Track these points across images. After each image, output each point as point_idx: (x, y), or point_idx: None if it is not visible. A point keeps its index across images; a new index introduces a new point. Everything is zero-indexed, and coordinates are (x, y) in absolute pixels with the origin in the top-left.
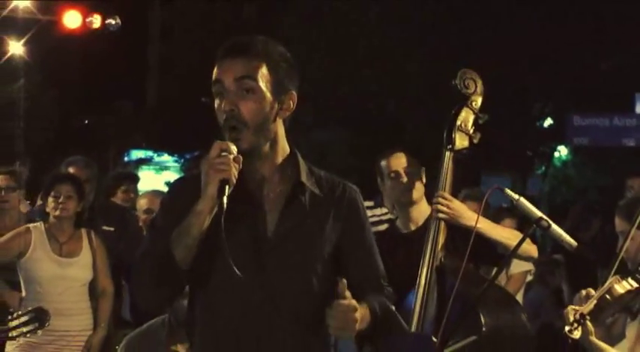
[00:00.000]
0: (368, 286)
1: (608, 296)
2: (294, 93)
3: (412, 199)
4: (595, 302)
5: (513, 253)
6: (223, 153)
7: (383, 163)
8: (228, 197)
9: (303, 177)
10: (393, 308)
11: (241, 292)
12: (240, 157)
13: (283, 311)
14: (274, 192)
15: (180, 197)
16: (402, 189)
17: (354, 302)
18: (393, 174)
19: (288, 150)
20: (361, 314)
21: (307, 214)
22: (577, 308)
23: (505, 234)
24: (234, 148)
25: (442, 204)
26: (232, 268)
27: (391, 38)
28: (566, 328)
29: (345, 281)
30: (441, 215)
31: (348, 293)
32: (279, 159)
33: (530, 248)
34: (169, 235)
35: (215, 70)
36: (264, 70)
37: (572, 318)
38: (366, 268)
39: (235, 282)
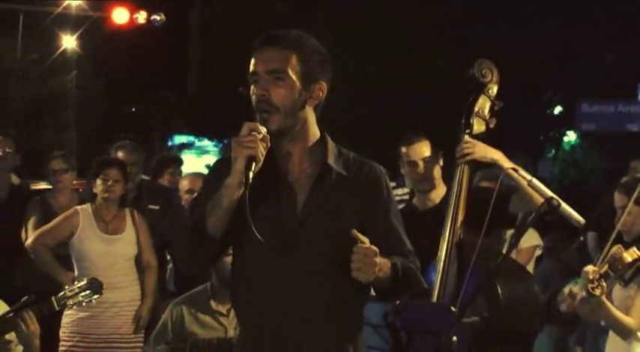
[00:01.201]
0: (395, 254)
1: (618, 263)
2: (324, 83)
3: (428, 187)
4: (607, 267)
5: (526, 227)
6: (252, 133)
7: (403, 150)
8: (254, 172)
9: (330, 159)
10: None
11: (271, 265)
12: (268, 137)
13: (311, 284)
14: (304, 172)
15: (217, 177)
16: (418, 178)
17: (373, 247)
18: (411, 163)
19: (318, 134)
20: (381, 261)
21: (333, 193)
22: (595, 269)
23: (534, 180)
24: (263, 129)
25: (467, 146)
26: (265, 235)
27: (414, 35)
28: (589, 286)
29: (360, 235)
30: (468, 157)
31: (365, 239)
32: (309, 142)
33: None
34: (201, 210)
35: (252, 60)
36: (294, 61)
37: (591, 277)
38: (389, 242)
39: (265, 254)
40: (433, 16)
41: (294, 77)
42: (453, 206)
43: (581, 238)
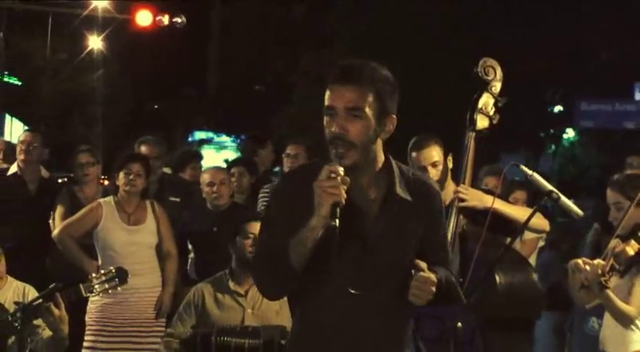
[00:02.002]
0: (439, 264)
1: (622, 256)
2: (394, 116)
3: None
4: (612, 260)
5: (526, 225)
6: (332, 175)
7: (413, 154)
8: (339, 218)
9: (397, 187)
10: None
11: (341, 288)
12: (348, 179)
13: (375, 306)
14: (369, 198)
15: (285, 195)
16: None
17: (432, 276)
18: (421, 168)
19: (383, 159)
20: (435, 285)
21: (398, 218)
22: (602, 263)
23: (519, 213)
24: (340, 169)
25: (462, 193)
26: (342, 283)
27: (426, 33)
28: (602, 279)
29: (421, 262)
30: (462, 204)
31: (424, 266)
32: (376, 169)
33: (542, 222)
34: (280, 233)
35: (327, 93)
36: (370, 98)
37: (600, 271)
38: (438, 255)
39: (338, 287)
40: (443, 17)
41: (370, 114)
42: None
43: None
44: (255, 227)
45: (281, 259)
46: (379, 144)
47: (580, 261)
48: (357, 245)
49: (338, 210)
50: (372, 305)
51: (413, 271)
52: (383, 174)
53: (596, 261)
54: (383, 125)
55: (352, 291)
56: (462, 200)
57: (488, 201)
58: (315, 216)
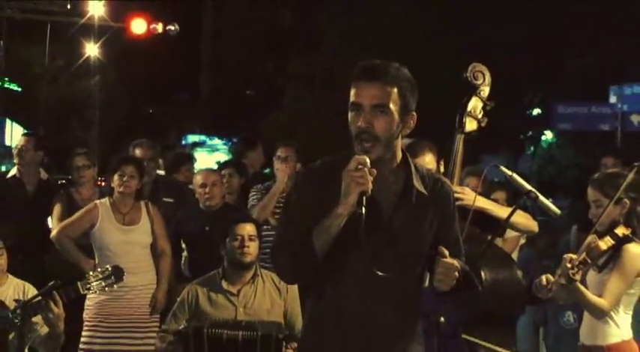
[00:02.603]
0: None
1: (595, 251)
2: (414, 113)
3: None
4: (585, 254)
5: (507, 221)
6: (360, 166)
7: None
8: (365, 206)
9: (415, 181)
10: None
11: (360, 275)
12: (374, 171)
13: (391, 293)
14: (389, 192)
15: (308, 187)
16: None
17: (456, 262)
18: None
19: (401, 155)
20: (458, 272)
21: (415, 211)
22: (573, 257)
23: (501, 211)
24: (368, 161)
25: (460, 194)
26: (368, 266)
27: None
28: (570, 272)
29: (444, 249)
30: (458, 202)
31: (447, 253)
32: (395, 164)
33: (531, 223)
34: (303, 222)
35: (353, 90)
36: (395, 95)
37: (569, 265)
38: (454, 249)
39: (359, 273)
40: (428, 19)
41: (394, 110)
42: None
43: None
44: (243, 228)
45: (304, 246)
46: (399, 140)
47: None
48: (378, 235)
49: (364, 198)
50: (389, 293)
51: (437, 258)
52: (401, 169)
53: (567, 255)
54: (405, 122)
55: (379, 273)
56: (460, 199)
57: (483, 203)
58: (341, 205)
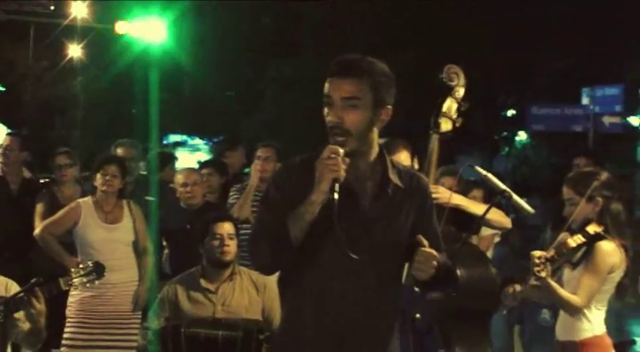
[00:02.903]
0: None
1: (563, 248)
2: (389, 107)
3: None
4: (554, 251)
5: (482, 219)
6: (333, 155)
7: None
8: (337, 192)
9: (390, 174)
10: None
11: (338, 266)
12: (347, 159)
13: (366, 277)
14: (366, 184)
15: (286, 181)
16: None
17: (434, 251)
18: None
19: (377, 149)
20: (437, 262)
21: (392, 203)
22: (542, 254)
23: (477, 208)
24: (341, 151)
25: (435, 193)
26: (342, 249)
27: (387, 37)
28: (535, 269)
29: (422, 238)
30: (436, 201)
31: (426, 242)
32: (372, 158)
33: (504, 220)
34: (280, 213)
35: (327, 85)
36: (366, 89)
37: (538, 261)
38: (433, 243)
39: (335, 252)
40: (403, 22)
41: (365, 104)
42: None
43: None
44: (222, 227)
45: (280, 234)
46: (375, 133)
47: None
48: (355, 226)
49: (337, 185)
50: (367, 284)
51: (416, 247)
52: (377, 163)
53: (534, 252)
54: (378, 115)
55: (352, 255)
56: (435, 198)
57: (457, 199)
58: (315, 192)
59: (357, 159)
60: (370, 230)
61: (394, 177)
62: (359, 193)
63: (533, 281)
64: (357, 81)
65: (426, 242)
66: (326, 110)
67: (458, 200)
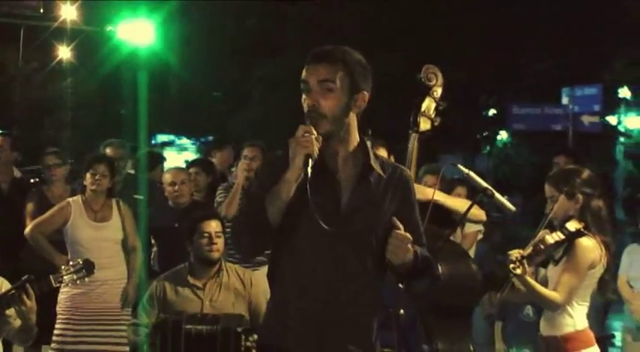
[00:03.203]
0: (416, 244)
1: (541, 245)
2: (366, 93)
3: None
4: (532, 248)
5: (464, 216)
6: (306, 134)
7: None
8: (311, 168)
9: (372, 162)
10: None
11: (318, 249)
12: (321, 138)
13: (349, 266)
14: (348, 172)
15: (268, 172)
16: None
17: (408, 235)
18: None
19: (358, 139)
20: (412, 248)
21: (373, 191)
22: (518, 252)
23: (458, 204)
24: (314, 130)
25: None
26: (316, 223)
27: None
28: (511, 266)
29: (397, 221)
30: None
31: (401, 226)
32: (352, 146)
33: (479, 212)
34: (261, 200)
35: (304, 71)
36: (341, 74)
37: (514, 258)
38: (414, 235)
39: (313, 240)
40: (389, 23)
41: (340, 88)
42: None
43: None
44: (210, 225)
45: (258, 215)
46: (353, 119)
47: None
48: (335, 214)
49: (310, 161)
50: (349, 270)
51: (391, 230)
52: (359, 152)
53: (512, 251)
54: (354, 100)
55: (325, 226)
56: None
57: (429, 193)
58: (289, 169)
59: (335, 144)
60: (351, 218)
61: (376, 166)
62: (339, 179)
63: (513, 279)
64: (331, 66)
65: (400, 225)
66: (303, 97)
67: (439, 196)
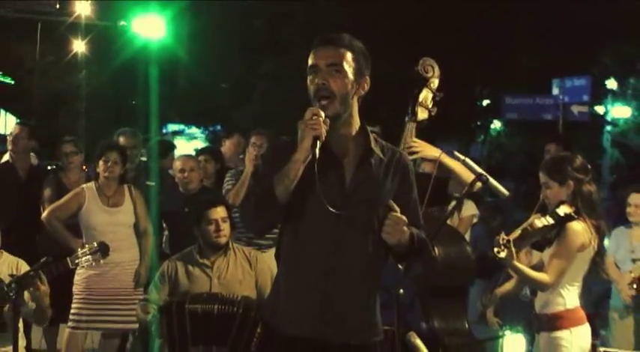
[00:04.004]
0: (413, 226)
1: (529, 228)
2: (367, 78)
3: None
4: (520, 232)
5: (471, 187)
6: (314, 117)
7: None
8: (319, 149)
9: (373, 145)
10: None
11: (324, 228)
12: (328, 120)
13: (354, 245)
14: (351, 154)
15: (275, 156)
16: None
17: (404, 217)
18: None
19: (359, 123)
20: (407, 229)
21: (373, 173)
22: (505, 236)
23: (461, 169)
24: (322, 112)
25: (415, 146)
26: (322, 204)
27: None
28: (495, 249)
29: (393, 203)
30: (415, 156)
31: (397, 208)
32: (354, 129)
33: (469, 174)
34: (269, 180)
35: (311, 55)
36: (348, 58)
37: (500, 242)
38: (412, 216)
39: (319, 219)
40: (384, 21)
41: (348, 70)
42: None
43: None
44: (216, 212)
45: (267, 194)
46: (355, 103)
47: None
48: (338, 194)
49: (318, 143)
50: (352, 251)
51: (387, 212)
52: (360, 136)
53: (498, 236)
54: (359, 83)
55: (331, 209)
56: (415, 152)
57: (436, 152)
58: (298, 150)
59: (340, 127)
60: (354, 199)
61: (377, 149)
62: (342, 161)
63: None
64: (340, 49)
65: (397, 207)
66: (310, 78)
67: (447, 160)
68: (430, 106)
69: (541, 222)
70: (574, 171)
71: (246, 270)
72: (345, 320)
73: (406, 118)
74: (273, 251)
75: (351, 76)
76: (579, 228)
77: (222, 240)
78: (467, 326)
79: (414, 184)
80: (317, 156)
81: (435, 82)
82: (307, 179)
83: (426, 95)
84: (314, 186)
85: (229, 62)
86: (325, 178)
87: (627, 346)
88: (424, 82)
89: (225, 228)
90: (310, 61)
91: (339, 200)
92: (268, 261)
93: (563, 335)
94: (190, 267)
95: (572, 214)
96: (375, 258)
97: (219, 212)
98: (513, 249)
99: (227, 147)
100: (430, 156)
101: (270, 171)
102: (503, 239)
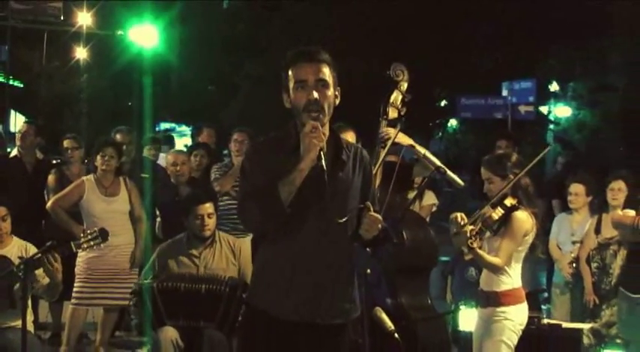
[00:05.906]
0: None
1: (489, 220)
2: (339, 88)
3: None
4: (480, 224)
5: (423, 189)
6: (314, 129)
7: None
8: (325, 160)
9: (343, 146)
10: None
11: (312, 225)
12: (326, 132)
13: (333, 231)
14: (327, 154)
15: (258, 156)
16: None
17: (379, 216)
18: None
19: (328, 127)
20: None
21: (345, 172)
22: (472, 227)
23: (432, 157)
24: (319, 125)
25: (388, 133)
26: (306, 197)
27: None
28: (469, 242)
29: (370, 204)
30: (388, 142)
31: (372, 207)
32: (327, 132)
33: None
34: (258, 181)
35: (295, 71)
36: (329, 72)
37: (468, 234)
38: (374, 204)
39: (309, 218)
40: (354, 26)
41: (331, 84)
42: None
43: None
44: (204, 208)
45: (270, 198)
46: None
47: (458, 216)
48: (336, 193)
49: (322, 153)
50: (336, 241)
51: (364, 211)
52: (331, 139)
53: (465, 228)
54: (337, 95)
55: (339, 221)
56: (389, 138)
57: (407, 139)
58: (304, 161)
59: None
60: (335, 195)
61: (345, 150)
62: (323, 164)
63: (466, 252)
64: (322, 65)
65: (372, 207)
66: (297, 92)
67: (420, 147)
68: (400, 107)
69: (497, 214)
70: (513, 167)
71: (230, 260)
72: (332, 303)
73: (380, 118)
74: (249, 236)
75: (332, 88)
76: (523, 217)
77: (207, 234)
78: (430, 301)
79: (372, 175)
80: (325, 166)
81: (404, 85)
82: (307, 184)
83: (396, 97)
84: (315, 191)
85: (216, 65)
86: (312, 184)
87: (567, 317)
88: (395, 85)
89: (211, 222)
90: (297, 77)
91: (329, 198)
92: (249, 248)
93: (510, 310)
94: (180, 256)
95: (517, 205)
96: (349, 245)
97: (207, 208)
98: (479, 239)
99: (201, 139)
100: (404, 142)
101: (259, 171)
102: (472, 230)
